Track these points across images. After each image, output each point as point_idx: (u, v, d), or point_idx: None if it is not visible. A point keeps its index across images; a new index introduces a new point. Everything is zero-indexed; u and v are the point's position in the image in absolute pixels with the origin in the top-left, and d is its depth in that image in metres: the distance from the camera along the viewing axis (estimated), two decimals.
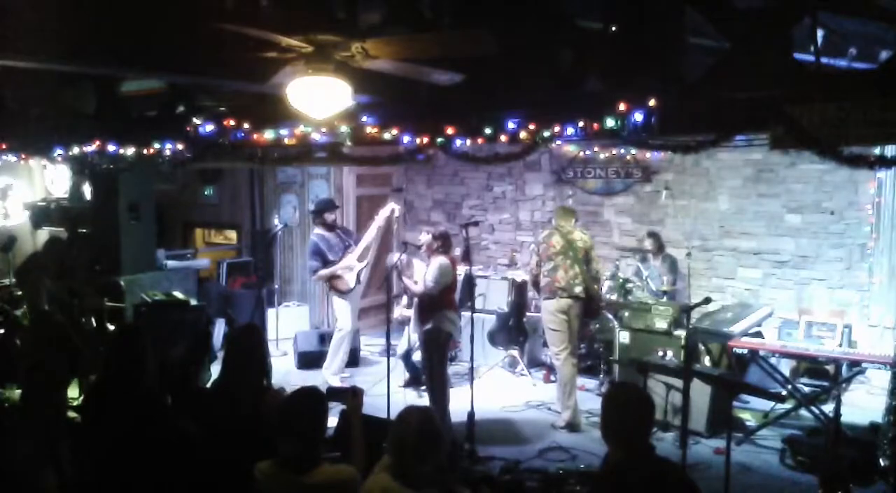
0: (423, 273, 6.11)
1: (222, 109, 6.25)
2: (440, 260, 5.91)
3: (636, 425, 2.77)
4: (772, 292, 7.72)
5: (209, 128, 5.94)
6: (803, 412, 5.89)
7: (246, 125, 5.90)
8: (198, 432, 3.65)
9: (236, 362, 3.79)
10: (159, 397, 3.89)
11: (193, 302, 7.17)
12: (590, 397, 6.84)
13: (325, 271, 7.15)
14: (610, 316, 7.04)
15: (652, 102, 4.45)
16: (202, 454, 3.53)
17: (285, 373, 7.51)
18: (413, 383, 7.15)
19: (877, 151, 6.02)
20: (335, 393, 3.70)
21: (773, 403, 6.21)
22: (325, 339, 7.65)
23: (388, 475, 2.84)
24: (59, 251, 7.69)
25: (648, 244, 7.81)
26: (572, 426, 6.14)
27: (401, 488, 2.78)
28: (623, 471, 2.72)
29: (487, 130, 5.15)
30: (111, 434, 3.62)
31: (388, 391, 5.72)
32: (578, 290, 6.23)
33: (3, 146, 7.30)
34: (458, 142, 5.38)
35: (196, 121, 5.98)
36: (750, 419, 6.24)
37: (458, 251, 6.74)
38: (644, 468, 2.71)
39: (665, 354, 6.44)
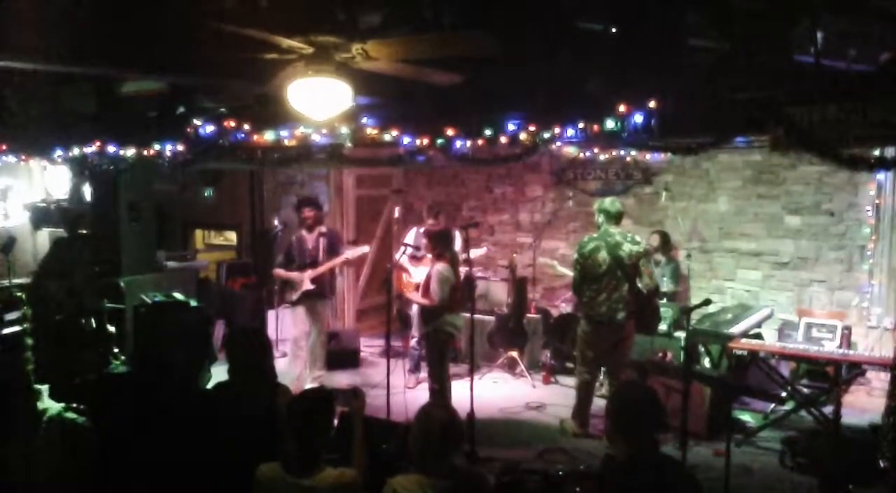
0: (422, 275, 6.12)
1: (222, 110, 6.26)
2: (438, 268, 5.90)
3: (642, 423, 2.79)
4: (771, 293, 7.71)
5: (209, 129, 5.95)
6: (803, 413, 5.88)
7: (246, 126, 5.91)
8: (201, 432, 3.65)
9: (244, 364, 3.78)
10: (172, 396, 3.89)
11: (193, 303, 7.16)
12: None
13: (283, 273, 7.06)
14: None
15: (652, 104, 4.46)
16: (209, 455, 3.53)
17: (284, 374, 7.49)
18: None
19: (876, 152, 6.02)
20: (337, 395, 3.71)
21: (773, 404, 6.23)
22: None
23: (414, 474, 2.88)
24: (61, 253, 7.70)
25: (654, 241, 7.73)
26: (577, 437, 6.10)
27: (432, 480, 2.83)
28: (628, 468, 2.74)
29: (487, 132, 5.16)
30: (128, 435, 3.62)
31: (388, 392, 5.72)
32: (621, 315, 5.78)
33: (3, 147, 7.30)
34: (458, 143, 5.38)
35: (196, 122, 5.99)
36: (750, 421, 6.23)
37: (458, 244, 6.68)
38: (649, 465, 2.73)
39: (665, 355, 6.43)
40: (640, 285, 5.83)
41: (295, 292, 7.02)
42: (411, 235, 7.59)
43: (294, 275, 7.01)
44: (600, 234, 5.90)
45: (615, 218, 5.90)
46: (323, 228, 7.16)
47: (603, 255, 5.76)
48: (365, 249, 7.12)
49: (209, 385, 6.19)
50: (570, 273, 7.02)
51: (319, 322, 7.16)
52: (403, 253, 6.84)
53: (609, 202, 5.99)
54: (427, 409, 3.06)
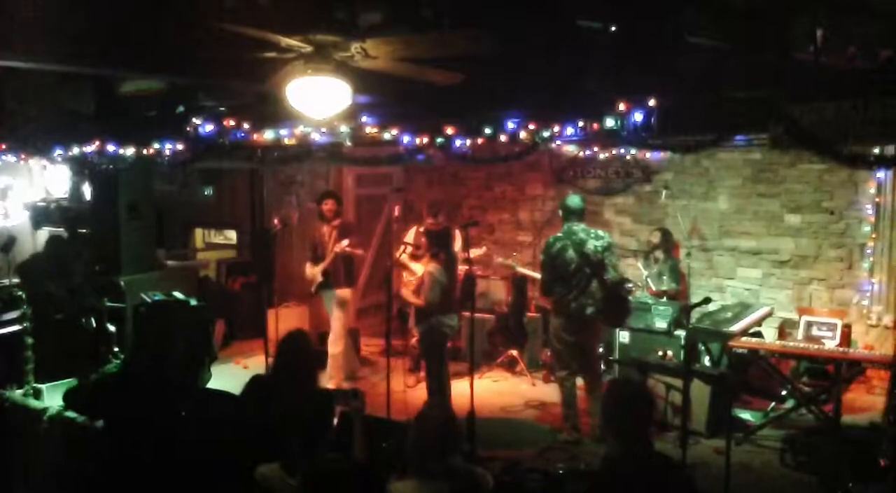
0: (421, 273, 6.11)
1: (222, 108, 6.26)
2: (430, 269, 5.90)
3: (636, 421, 2.79)
4: (771, 291, 7.71)
5: (209, 128, 5.94)
6: (803, 411, 5.88)
7: (246, 125, 5.91)
8: (201, 431, 3.66)
9: (288, 365, 3.78)
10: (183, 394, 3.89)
11: (193, 302, 7.16)
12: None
13: (308, 269, 7.31)
14: None
15: (652, 102, 4.46)
16: (209, 454, 3.53)
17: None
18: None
19: (876, 150, 6.02)
20: (337, 396, 3.71)
21: (773, 402, 6.23)
22: (324, 339, 7.64)
23: (413, 477, 2.87)
24: (61, 251, 7.70)
25: (656, 238, 7.71)
26: (575, 442, 6.04)
27: (431, 483, 2.83)
28: (622, 467, 2.75)
29: (487, 130, 5.16)
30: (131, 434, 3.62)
31: (388, 391, 5.72)
32: (590, 311, 5.81)
33: (3, 146, 7.31)
34: (458, 142, 5.38)
35: (196, 121, 5.99)
36: (750, 419, 6.24)
37: (458, 243, 6.66)
38: (643, 463, 2.73)
39: (665, 354, 6.43)
40: (606, 278, 5.83)
41: (312, 284, 7.29)
42: (411, 235, 7.59)
43: (307, 269, 7.27)
44: (565, 232, 5.91)
45: (577, 214, 5.92)
46: (337, 221, 7.27)
47: (570, 253, 5.78)
48: (344, 242, 7.16)
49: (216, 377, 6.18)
50: (530, 273, 7.02)
51: (332, 318, 7.25)
52: (403, 252, 6.83)
53: (570, 199, 6.04)
54: (424, 412, 3.05)
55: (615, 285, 5.93)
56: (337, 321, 7.24)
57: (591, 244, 5.82)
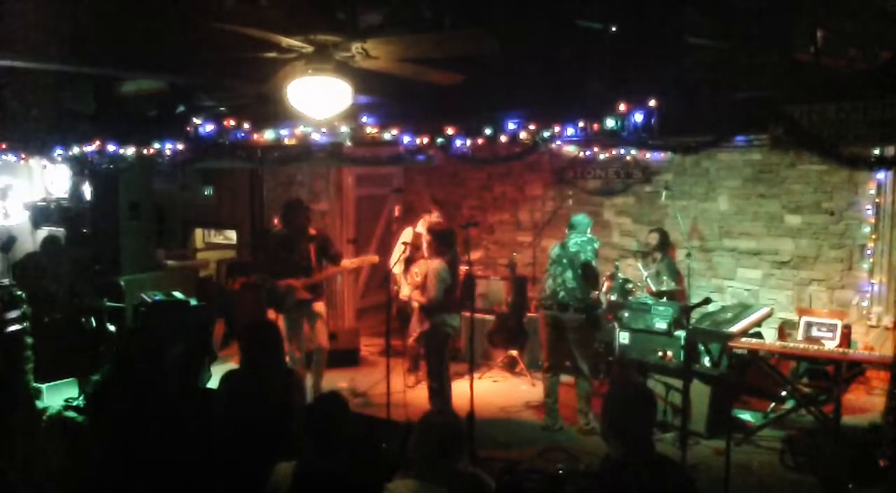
0: (423, 273, 6.11)
1: (222, 109, 6.26)
2: (435, 266, 5.90)
3: (638, 423, 2.79)
4: (771, 292, 7.71)
5: (209, 128, 5.95)
6: (803, 412, 5.89)
7: (246, 125, 5.91)
8: (201, 431, 3.65)
9: (257, 355, 3.79)
10: (171, 396, 3.89)
11: (193, 302, 7.16)
12: None
13: (278, 282, 6.48)
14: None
15: (652, 103, 4.46)
16: (209, 454, 3.53)
17: None
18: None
19: (876, 151, 6.02)
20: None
21: (773, 403, 6.23)
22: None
23: (412, 479, 2.86)
24: (58, 250, 7.69)
25: (653, 239, 7.74)
26: (548, 428, 6.24)
27: (431, 486, 2.82)
28: (623, 469, 2.74)
29: (487, 131, 5.16)
30: (122, 434, 3.62)
31: (388, 391, 5.72)
32: (562, 295, 6.08)
33: (3, 146, 7.31)
34: (458, 142, 5.39)
35: (196, 121, 5.99)
36: (750, 420, 6.24)
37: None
38: (644, 466, 2.73)
39: (665, 354, 6.43)
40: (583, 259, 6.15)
41: (287, 300, 6.51)
42: (407, 234, 7.57)
43: (290, 283, 6.46)
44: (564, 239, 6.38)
45: (575, 229, 6.31)
46: (312, 231, 6.64)
47: (556, 249, 6.32)
48: (374, 258, 6.91)
49: (217, 376, 6.18)
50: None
51: (321, 330, 6.72)
52: (403, 252, 6.81)
53: (574, 217, 6.44)
54: (429, 417, 3.04)
55: (586, 264, 6.20)
56: (323, 332, 6.78)
57: (574, 240, 6.21)
